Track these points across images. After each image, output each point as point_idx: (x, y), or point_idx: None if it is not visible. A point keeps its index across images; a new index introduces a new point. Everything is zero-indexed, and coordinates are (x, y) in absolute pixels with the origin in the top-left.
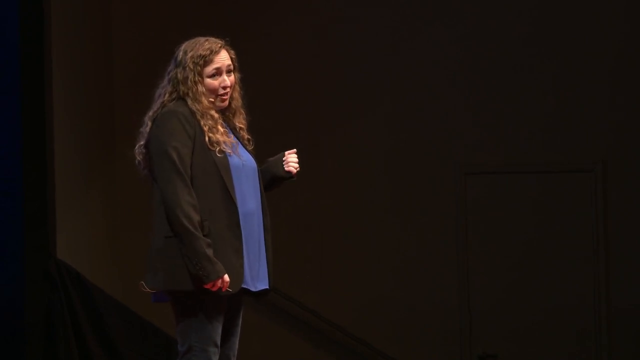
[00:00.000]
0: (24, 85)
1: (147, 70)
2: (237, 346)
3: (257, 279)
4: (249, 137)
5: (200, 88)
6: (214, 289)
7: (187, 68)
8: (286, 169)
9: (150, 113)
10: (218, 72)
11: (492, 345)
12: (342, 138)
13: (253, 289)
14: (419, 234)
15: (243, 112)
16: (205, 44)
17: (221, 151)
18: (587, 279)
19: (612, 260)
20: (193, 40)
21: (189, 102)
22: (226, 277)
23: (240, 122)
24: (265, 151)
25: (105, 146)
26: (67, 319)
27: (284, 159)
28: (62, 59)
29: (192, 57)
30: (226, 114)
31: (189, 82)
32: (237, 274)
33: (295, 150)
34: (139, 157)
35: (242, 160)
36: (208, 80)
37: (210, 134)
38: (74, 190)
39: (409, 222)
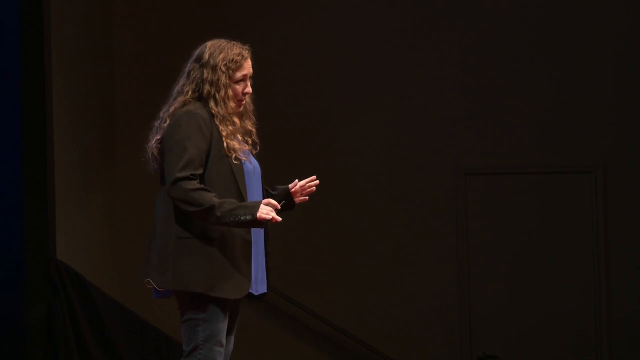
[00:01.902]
0: (25, 87)
1: (147, 71)
2: (232, 345)
3: (258, 283)
4: (257, 141)
5: (230, 92)
6: (269, 218)
7: (219, 70)
8: (300, 199)
9: (171, 110)
10: (244, 79)
11: (492, 346)
12: (343, 139)
13: (254, 293)
14: (419, 234)
15: (253, 117)
16: (234, 48)
17: (237, 158)
18: (588, 280)
19: (613, 261)
20: (218, 43)
21: (211, 103)
22: (263, 208)
23: (250, 126)
24: (265, 152)
25: (106, 148)
26: (67, 321)
27: (294, 189)
28: (62, 60)
29: (223, 59)
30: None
31: (220, 84)
32: (246, 279)
33: (297, 182)
34: (154, 152)
35: (252, 166)
36: (233, 85)
37: (229, 140)
38: (74, 192)
39: (409, 222)
